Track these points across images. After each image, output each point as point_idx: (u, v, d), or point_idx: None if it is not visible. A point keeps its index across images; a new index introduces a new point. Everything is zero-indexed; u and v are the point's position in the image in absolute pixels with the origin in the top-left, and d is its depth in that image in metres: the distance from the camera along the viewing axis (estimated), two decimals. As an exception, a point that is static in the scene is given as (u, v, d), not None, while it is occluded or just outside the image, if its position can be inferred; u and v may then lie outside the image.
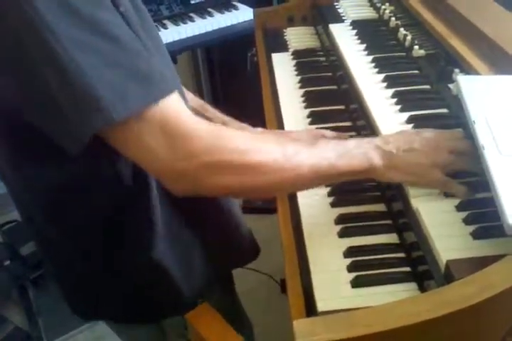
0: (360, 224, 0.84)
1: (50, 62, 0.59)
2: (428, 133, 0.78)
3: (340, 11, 1.40)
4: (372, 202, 0.89)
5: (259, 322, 1.26)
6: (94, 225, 0.83)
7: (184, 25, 2.04)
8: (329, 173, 0.73)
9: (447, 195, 0.76)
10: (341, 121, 1.11)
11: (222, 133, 0.69)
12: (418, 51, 1.08)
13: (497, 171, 0.65)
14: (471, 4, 1.05)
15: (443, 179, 0.75)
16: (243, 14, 2.11)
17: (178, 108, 0.66)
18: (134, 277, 0.88)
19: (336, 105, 1.17)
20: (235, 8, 2.17)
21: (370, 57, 1.11)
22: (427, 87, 0.99)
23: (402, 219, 0.82)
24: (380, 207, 0.88)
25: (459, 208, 0.73)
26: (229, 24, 2.09)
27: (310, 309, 0.72)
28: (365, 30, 1.24)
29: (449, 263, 0.64)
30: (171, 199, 0.83)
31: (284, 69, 1.33)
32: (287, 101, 1.20)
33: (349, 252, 0.79)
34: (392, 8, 1.32)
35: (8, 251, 2.03)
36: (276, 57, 1.39)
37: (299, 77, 1.28)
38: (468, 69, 0.92)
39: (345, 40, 1.21)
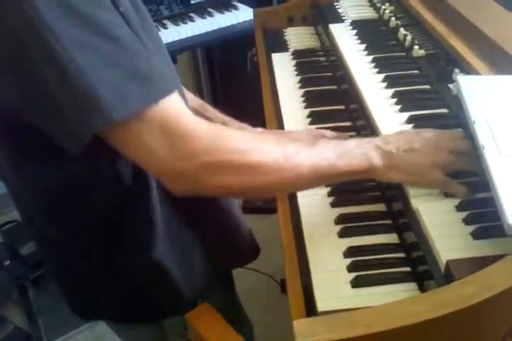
0: (360, 224, 0.84)
1: (50, 62, 0.59)
2: (428, 133, 0.78)
3: (340, 11, 1.40)
4: (372, 202, 0.89)
5: (259, 322, 1.26)
6: (94, 225, 0.83)
7: (184, 25, 2.04)
8: (329, 173, 0.73)
9: (447, 194, 0.76)
10: (341, 121, 1.11)
11: (222, 133, 0.69)
12: (418, 51, 1.08)
13: (497, 171, 0.65)
14: (471, 4, 1.05)
15: (443, 179, 0.75)
16: (243, 14, 2.11)
17: (178, 108, 0.66)
18: (134, 277, 0.88)
19: (335, 105, 1.17)
20: (235, 8, 2.17)
21: (370, 57, 1.11)
22: (427, 87, 0.99)
23: (402, 219, 0.82)
24: (380, 207, 0.88)
25: (459, 208, 0.73)
26: (229, 24, 2.09)
27: (310, 309, 0.72)
28: (365, 30, 1.24)
29: (449, 263, 0.64)
30: (171, 199, 0.83)
31: (284, 69, 1.33)
32: (287, 101, 1.20)
33: (349, 252, 0.79)
34: (392, 8, 1.32)
35: (8, 251, 2.03)
36: (276, 57, 1.39)
37: (299, 77, 1.28)
38: (468, 69, 0.92)
39: (345, 40, 1.21)
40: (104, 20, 0.61)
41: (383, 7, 1.32)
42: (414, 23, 1.20)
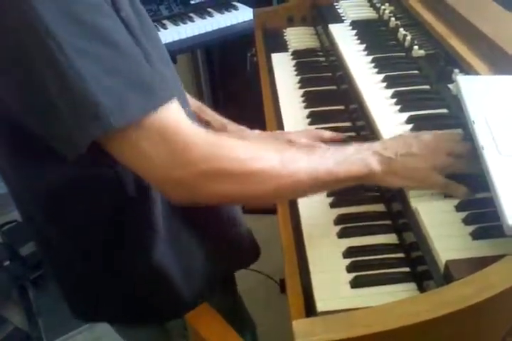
0: (360, 224, 0.84)
1: (49, 65, 0.59)
2: (426, 136, 0.78)
3: (339, 11, 1.40)
4: (371, 203, 0.89)
5: (259, 322, 1.26)
6: (94, 225, 0.83)
7: (184, 25, 2.04)
8: (328, 180, 0.73)
9: (446, 195, 0.76)
10: (341, 122, 1.11)
11: (222, 143, 0.69)
12: (418, 51, 1.08)
13: (496, 171, 0.65)
14: (470, 4, 1.05)
15: (443, 181, 0.75)
16: (243, 14, 2.11)
17: (178, 116, 0.66)
18: (134, 277, 0.88)
19: (335, 105, 1.17)
20: (235, 8, 2.16)
21: (370, 58, 1.11)
22: (427, 87, 0.99)
23: (402, 220, 0.82)
24: (380, 208, 0.88)
25: (459, 208, 0.73)
26: (229, 24, 2.09)
27: (309, 309, 0.72)
28: (364, 30, 1.24)
29: (448, 263, 0.64)
30: (170, 199, 0.83)
31: (283, 69, 1.33)
32: (287, 101, 1.20)
33: (348, 252, 0.79)
34: (391, 8, 1.32)
35: (8, 252, 2.03)
36: (276, 58, 1.39)
37: (299, 77, 1.28)
38: (467, 70, 0.92)
39: (345, 40, 1.21)
40: (105, 26, 0.61)
41: (383, 7, 1.32)
42: (414, 23, 1.20)
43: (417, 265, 0.75)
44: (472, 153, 0.72)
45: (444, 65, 0.99)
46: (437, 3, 1.13)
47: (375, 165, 0.75)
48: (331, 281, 0.75)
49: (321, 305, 0.71)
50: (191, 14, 2.11)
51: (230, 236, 0.99)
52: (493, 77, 0.86)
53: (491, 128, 0.71)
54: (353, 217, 0.86)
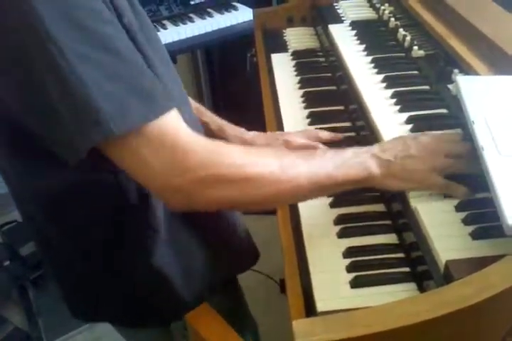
0: (360, 224, 0.85)
1: (51, 72, 0.59)
2: (425, 138, 0.78)
3: (339, 11, 1.40)
4: (371, 203, 0.89)
5: (259, 322, 1.26)
6: (94, 225, 0.83)
7: (184, 25, 2.04)
8: (327, 184, 0.73)
9: (446, 195, 0.76)
10: (341, 122, 1.11)
11: (219, 149, 0.69)
12: (417, 51, 1.08)
13: (496, 172, 0.65)
14: (470, 5, 1.05)
15: (442, 183, 0.75)
16: (243, 15, 2.11)
17: (177, 124, 0.66)
18: (134, 277, 0.88)
19: (335, 105, 1.17)
20: (235, 8, 2.17)
21: (370, 58, 1.11)
22: (427, 87, 0.99)
23: (402, 220, 0.82)
24: (379, 208, 0.89)
25: (458, 208, 0.73)
26: (228, 25, 2.09)
27: (309, 309, 0.72)
28: (364, 30, 1.24)
29: (448, 263, 0.64)
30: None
31: (283, 69, 1.33)
32: (287, 101, 1.20)
33: (348, 252, 0.79)
34: (391, 8, 1.32)
35: (8, 252, 2.03)
36: (276, 58, 1.39)
37: (299, 78, 1.28)
38: (467, 70, 0.93)
39: (345, 40, 1.21)
40: (106, 32, 0.61)
41: (382, 8, 1.32)
42: (414, 23, 1.20)
43: (417, 265, 0.75)
44: (472, 153, 0.72)
45: (443, 65, 0.99)
46: (437, 4, 1.13)
47: (374, 168, 0.75)
48: (331, 281, 0.75)
49: (321, 305, 0.71)
50: (191, 14, 2.11)
51: (229, 239, 0.98)
52: (492, 78, 0.86)
53: (491, 128, 0.71)
54: (353, 217, 0.86)
